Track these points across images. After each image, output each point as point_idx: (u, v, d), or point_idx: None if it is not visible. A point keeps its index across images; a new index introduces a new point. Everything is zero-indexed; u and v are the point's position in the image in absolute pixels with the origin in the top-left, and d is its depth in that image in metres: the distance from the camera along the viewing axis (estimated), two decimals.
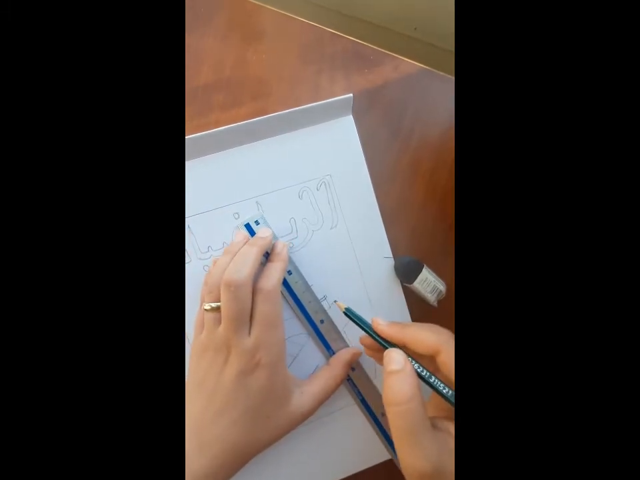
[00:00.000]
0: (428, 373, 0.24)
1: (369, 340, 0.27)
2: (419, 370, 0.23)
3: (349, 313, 0.28)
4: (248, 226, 0.30)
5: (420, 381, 0.23)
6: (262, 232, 0.29)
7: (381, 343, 0.26)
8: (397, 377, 0.22)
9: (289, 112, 0.29)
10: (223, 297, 0.25)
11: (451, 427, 0.22)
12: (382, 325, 0.26)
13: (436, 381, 0.23)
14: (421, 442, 0.21)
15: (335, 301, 0.30)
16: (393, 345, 0.25)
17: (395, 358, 0.23)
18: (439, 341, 0.23)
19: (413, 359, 0.24)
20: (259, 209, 0.30)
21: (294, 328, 0.30)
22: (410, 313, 0.31)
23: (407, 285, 0.31)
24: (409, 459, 0.21)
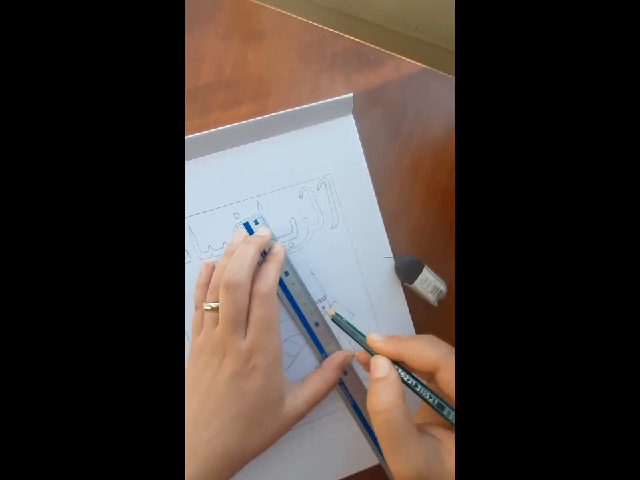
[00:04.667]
0: (414, 382, 0.23)
1: (365, 356, 0.26)
2: (404, 378, 0.23)
3: (336, 319, 0.27)
4: (247, 225, 0.30)
5: (406, 389, 0.22)
6: (261, 231, 0.29)
7: (369, 351, 0.25)
8: (380, 385, 0.22)
9: (289, 112, 0.29)
10: (221, 299, 0.25)
11: (440, 434, 0.22)
12: (378, 342, 0.24)
13: (422, 389, 0.23)
14: (404, 449, 0.20)
15: (324, 307, 0.30)
16: None
17: (380, 365, 0.23)
18: (438, 357, 0.22)
19: (399, 366, 0.24)
20: (259, 209, 0.30)
21: (290, 330, 0.30)
22: (410, 313, 0.31)
23: (407, 284, 0.31)
24: (394, 466, 0.21)
